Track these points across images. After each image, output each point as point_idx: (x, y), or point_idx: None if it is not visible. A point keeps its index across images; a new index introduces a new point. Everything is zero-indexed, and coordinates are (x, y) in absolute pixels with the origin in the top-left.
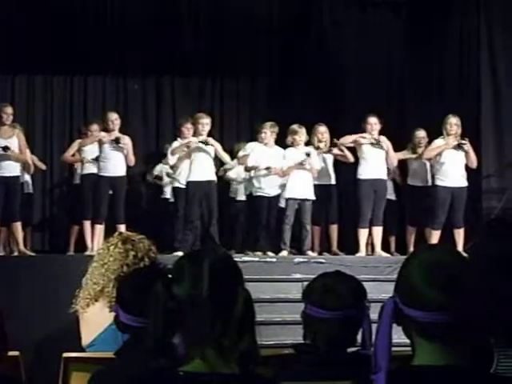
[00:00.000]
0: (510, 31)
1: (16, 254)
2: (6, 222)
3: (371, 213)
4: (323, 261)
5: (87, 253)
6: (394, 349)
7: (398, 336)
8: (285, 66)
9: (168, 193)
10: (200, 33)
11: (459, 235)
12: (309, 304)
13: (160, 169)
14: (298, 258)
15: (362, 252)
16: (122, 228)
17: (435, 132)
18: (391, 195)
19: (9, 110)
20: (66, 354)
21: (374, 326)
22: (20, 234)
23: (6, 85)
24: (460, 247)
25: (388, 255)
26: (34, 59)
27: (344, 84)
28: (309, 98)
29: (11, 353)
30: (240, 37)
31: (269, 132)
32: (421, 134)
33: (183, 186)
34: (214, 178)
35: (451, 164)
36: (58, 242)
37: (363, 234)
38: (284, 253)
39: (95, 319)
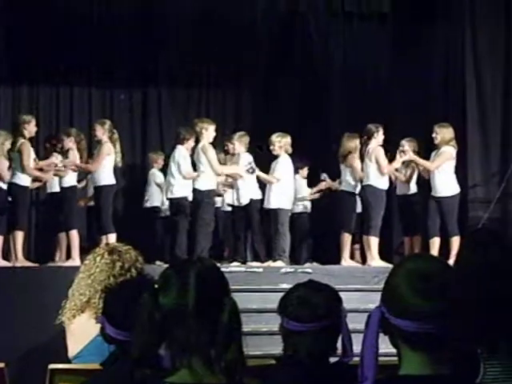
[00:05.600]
0: (494, 37)
1: (14, 264)
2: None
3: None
4: (310, 271)
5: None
6: (380, 359)
7: (386, 346)
8: (270, 76)
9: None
10: (185, 42)
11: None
12: (285, 317)
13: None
14: (285, 268)
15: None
16: (112, 238)
17: (421, 142)
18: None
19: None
20: (51, 366)
21: (361, 336)
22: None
23: None
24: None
25: (385, 264)
26: (19, 71)
27: (330, 93)
28: (294, 107)
29: None
30: (225, 47)
31: (237, 143)
32: (405, 146)
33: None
34: None
35: (436, 174)
36: (43, 253)
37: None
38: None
39: (81, 330)
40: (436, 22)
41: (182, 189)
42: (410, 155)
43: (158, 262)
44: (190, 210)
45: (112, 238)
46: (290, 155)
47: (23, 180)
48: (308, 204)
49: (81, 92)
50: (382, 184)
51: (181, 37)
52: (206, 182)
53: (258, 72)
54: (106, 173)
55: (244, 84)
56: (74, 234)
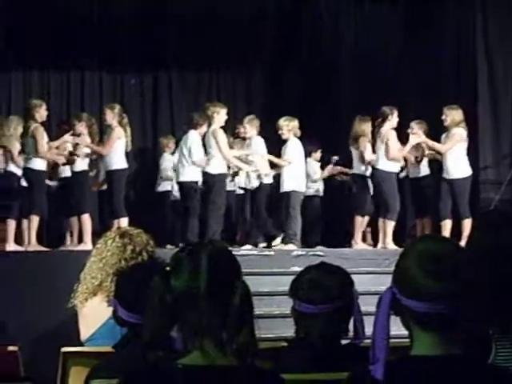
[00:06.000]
0: (506, 23)
1: (26, 248)
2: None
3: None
4: (321, 253)
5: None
6: (392, 340)
7: (397, 328)
8: (280, 57)
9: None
10: (194, 26)
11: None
12: (297, 300)
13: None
14: (297, 251)
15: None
16: (124, 222)
17: (432, 124)
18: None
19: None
20: (64, 349)
21: (372, 318)
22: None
23: (2, 81)
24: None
25: (396, 246)
26: (30, 55)
27: (341, 75)
28: (305, 89)
29: (10, 348)
30: (234, 29)
31: (248, 126)
32: (414, 128)
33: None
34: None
35: (448, 156)
36: (55, 237)
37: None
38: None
39: (93, 314)
40: (447, 5)
41: (193, 172)
42: (422, 138)
43: (168, 246)
44: (201, 194)
45: (124, 222)
46: (300, 138)
47: (38, 164)
48: (320, 187)
49: (91, 77)
50: (393, 167)
51: (189, 19)
52: (217, 166)
53: (269, 55)
54: (118, 156)
55: (254, 68)
56: (86, 218)
